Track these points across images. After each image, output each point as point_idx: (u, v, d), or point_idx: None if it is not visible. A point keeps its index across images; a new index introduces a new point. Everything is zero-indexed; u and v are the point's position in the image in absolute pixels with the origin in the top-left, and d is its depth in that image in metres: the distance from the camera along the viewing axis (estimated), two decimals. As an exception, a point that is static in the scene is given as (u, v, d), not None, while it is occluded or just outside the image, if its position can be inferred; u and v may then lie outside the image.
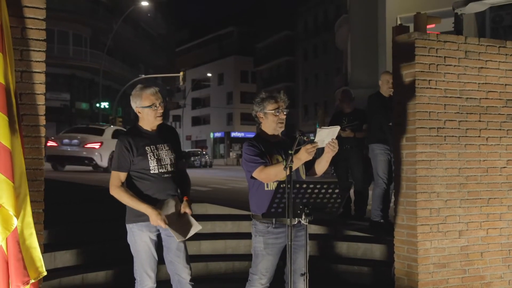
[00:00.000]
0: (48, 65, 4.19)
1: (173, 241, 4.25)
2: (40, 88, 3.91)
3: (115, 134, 16.97)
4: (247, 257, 4.52)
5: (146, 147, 4.19)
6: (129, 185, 4.22)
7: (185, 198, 4.32)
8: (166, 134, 4.35)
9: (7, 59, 3.50)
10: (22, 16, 3.82)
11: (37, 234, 3.74)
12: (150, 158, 4.17)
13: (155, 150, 4.22)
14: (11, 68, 3.56)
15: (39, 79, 3.90)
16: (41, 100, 3.92)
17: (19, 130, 3.56)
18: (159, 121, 4.26)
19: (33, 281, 3.53)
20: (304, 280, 3.94)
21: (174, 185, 4.29)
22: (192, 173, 4.76)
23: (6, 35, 3.54)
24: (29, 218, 3.56)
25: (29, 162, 3.75)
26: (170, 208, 4.21)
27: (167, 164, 4.25)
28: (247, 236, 4.44)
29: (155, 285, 4.26)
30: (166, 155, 4.26)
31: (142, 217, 4.17)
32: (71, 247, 5.94)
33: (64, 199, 7.16)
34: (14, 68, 3.66)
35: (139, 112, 4.25)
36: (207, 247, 6.74)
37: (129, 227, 4.24)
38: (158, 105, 4.19)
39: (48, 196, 4.02)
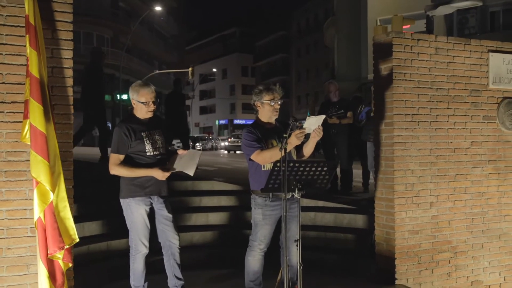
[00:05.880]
0: (76, 63, 4.19)
1: (162, 213, 4.33)
2: (69, 82, 3.92)
3: None
4: (249, 227, 4.55)
5: (142, 133, 4.25)
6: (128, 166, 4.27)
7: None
8: (156, 122, 4.41)
9: (41, 57, 3.54)
10: (52, 19, 3.82)
11: (68, 207, 3.78)
12: (146, 142, 4.23)
13: (150, 135, 4.27)
14: (44, 64, 3.60)
15: (68, 73, 3.91)
16: (69, 92, 3.93)
17: (52, 117, 3.61)
18: (149, 115, 4.31)
19: (67, 246, 3.60)
20: (297, 245, 3.97)
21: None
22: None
23: (39, 36, 3.57)
24: (63, 193, 3.62)
25: (60, 145, 3.76)
26: (171, 161, 4.37)
27: (160, 147, 4.32)
28: (248, 208, 4.46)
29: (148, 251, 4.32)
30: (158, 139, 4.32)
31: (138, 193, 4.22)
32: (97, 219, 5.98)
33: (91, 178, 7.17)
34: (47, 65, 3.69)
35: (134, 104, 4.32)
36: (214, 218, 6.77)
37: (126, 201, 4.26)
38: (151, 103, 4.25)
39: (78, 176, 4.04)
